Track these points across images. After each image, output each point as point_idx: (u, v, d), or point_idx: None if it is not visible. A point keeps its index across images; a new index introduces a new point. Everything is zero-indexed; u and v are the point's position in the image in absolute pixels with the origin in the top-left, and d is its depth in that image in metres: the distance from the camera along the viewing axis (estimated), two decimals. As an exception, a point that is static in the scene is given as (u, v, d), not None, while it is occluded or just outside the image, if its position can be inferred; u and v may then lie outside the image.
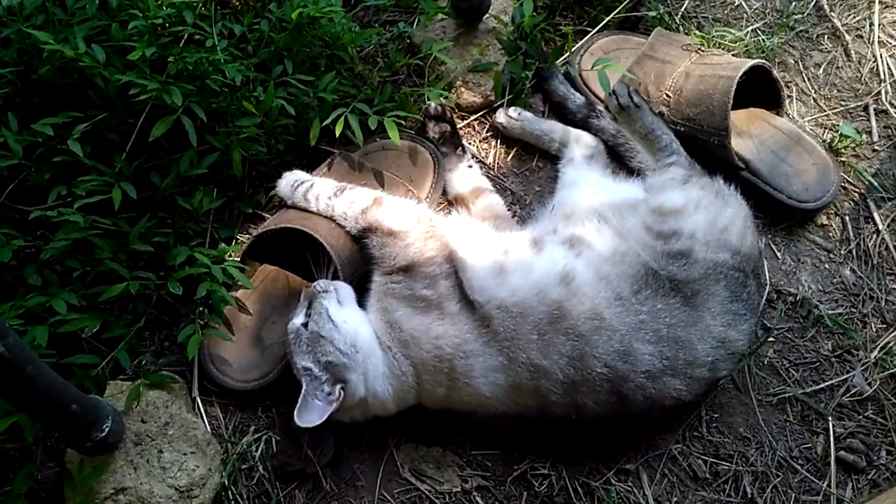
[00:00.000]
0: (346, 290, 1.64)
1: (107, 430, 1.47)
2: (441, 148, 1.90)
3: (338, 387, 1.52)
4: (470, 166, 1.92)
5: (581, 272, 1.58)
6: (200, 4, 1.75)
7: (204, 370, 1.73)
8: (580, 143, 1.95)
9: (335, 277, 1.66)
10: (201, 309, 1.71)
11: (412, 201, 1.77)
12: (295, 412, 1.48)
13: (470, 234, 1.73)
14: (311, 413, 1.50)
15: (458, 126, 2.01)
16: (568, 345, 1.50)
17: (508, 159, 2.02)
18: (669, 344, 1.53)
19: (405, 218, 1.67)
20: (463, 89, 2.03)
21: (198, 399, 1.71)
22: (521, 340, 1.51)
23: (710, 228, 1.63)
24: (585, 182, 1.86)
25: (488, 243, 1.69)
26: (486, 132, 2.05)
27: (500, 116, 2.00)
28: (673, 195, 1.68)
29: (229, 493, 1.63)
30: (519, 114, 2.00)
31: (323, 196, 1.73)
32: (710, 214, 1.65)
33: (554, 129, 1.99)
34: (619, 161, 1.97)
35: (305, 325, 1.56)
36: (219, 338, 1.69)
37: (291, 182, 1.78)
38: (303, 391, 1.51)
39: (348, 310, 1.61)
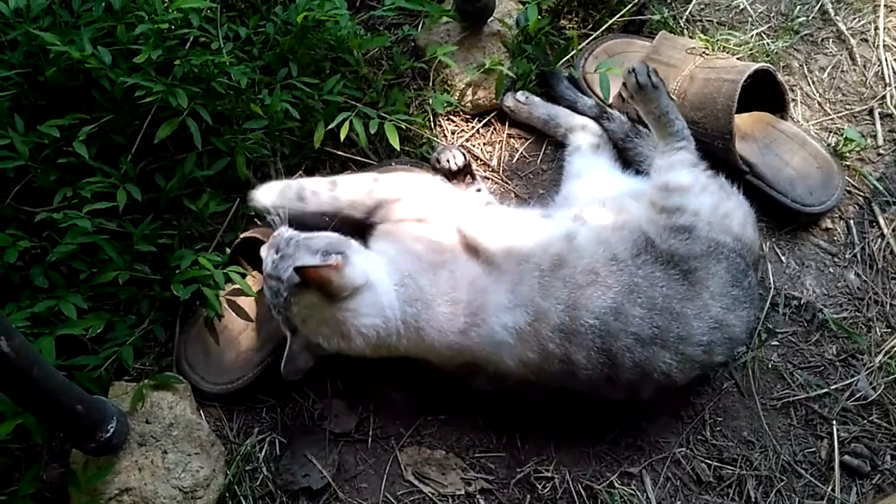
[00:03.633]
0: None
1: (111, 430, 1.47)
2: (452, 179, 1.87)
3: (334, 255, 1.51)
4: (479, 190, 1.88)
5: (583, 234, 1.62)
6: (206, 8, 1.76)
7: (178, 369, 1.73)
8: (587, 130, 1.95)
9: None
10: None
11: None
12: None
13: (475, 205, 1.78)
14: (305, 258, 1.50)
15: (465, 133, 2.02)
16: (564, 291, 1.53)
17: (513, 162, 2.02)
18: (663, 314, 1.53)
19: (407, 185, 1.72)
20: (468, 93, 2.03)
21: (195, 400, 1.71)
22: (524, 276, 1.54)
23: (713, 211, 1.65)
24: (592, 172, 1.87)
25: (496, 212, 1.75)
26: (491, 135, 2.05)
27: (509, 100, 2.02)
28: (681, 174, 1.70)
29: (233, 493, 1.63)
30: (527, 97, 2.02)
31: (322, 191, 1.71)
32: (715, 199, 1.67)
33: (560, 114, 2.00)
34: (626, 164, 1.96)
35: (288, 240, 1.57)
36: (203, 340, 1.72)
37: (278, 189, 1.72)
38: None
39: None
